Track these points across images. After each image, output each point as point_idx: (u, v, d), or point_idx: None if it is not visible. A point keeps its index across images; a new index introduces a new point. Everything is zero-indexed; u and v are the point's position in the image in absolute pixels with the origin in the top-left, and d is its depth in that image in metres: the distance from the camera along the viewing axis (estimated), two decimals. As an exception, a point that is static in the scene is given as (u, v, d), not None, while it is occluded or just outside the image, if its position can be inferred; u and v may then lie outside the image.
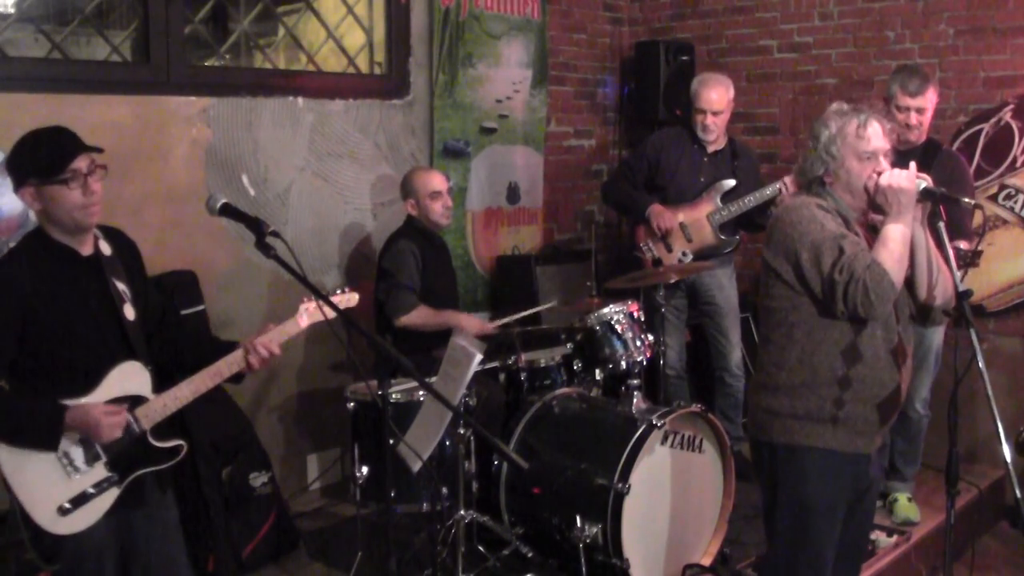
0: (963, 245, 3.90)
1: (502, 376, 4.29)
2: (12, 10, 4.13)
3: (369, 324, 4.45)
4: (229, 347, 2.86)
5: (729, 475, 3.94)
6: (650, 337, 4.31)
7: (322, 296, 2.74)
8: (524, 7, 5.77)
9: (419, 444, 3.12)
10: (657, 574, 3.77)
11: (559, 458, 3.85)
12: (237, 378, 2.87)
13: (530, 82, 5.86)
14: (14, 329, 2.56)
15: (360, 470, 3.76)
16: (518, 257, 5.79)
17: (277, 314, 3.56)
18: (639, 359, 4.17)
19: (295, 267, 2.68)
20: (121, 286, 2.73)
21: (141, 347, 2.75)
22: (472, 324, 4.29)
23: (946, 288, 2.87)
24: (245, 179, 4.57)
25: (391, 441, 3.11)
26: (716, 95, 4.85)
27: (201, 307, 4.29)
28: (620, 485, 3.57)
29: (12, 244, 2.80)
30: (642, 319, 4.34)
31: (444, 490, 3.64)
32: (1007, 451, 2.66)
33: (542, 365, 4.32)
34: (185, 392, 2.75)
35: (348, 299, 3.22)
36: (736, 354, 5.04)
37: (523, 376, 4.26)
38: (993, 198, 5.21)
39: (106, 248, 2.75)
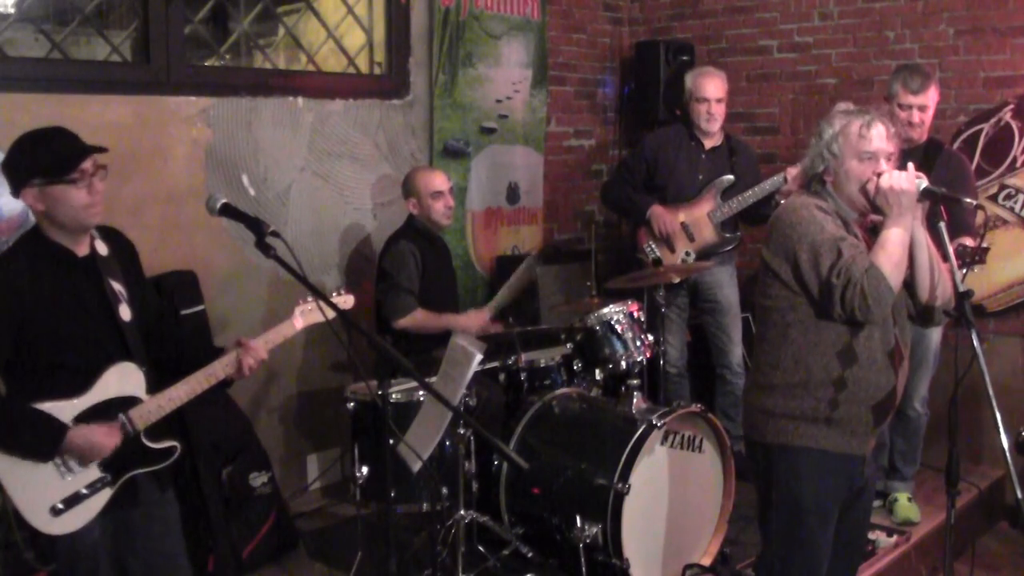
0: (968, 242, 3.86)
1: (502, 376, 4.28)
2: (12, 10, 4.12)
3: (369, 324, 4.45)
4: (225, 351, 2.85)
5: (729, 475, 3.94)
6: (650, 337, 4.32)
7: (322, 296, 2.74)
8: (524, 7, 5.77)
9: (419, 444, 3.11)
10: (657, 574, 3.77)
11: (559, 458, 3.85)
12: (225, 384, 2.84)
13: (530, 82, 5.86)
14: (10, 329, 2.55)
15: (360, 470, 3.76)
16: (518, 257, 5.78)
17: (277, 314, 3.56)
18: (639, 359, 4.18)
19: (295, 267, 2.67)
20: (117, 286, 2.72)
21: (137, 347, 2.74)
22: (471, 324, 4.29)
23: (946, 288, 2.87)
24: (245, 179, 4.56)
25: (391, 441, 3.10)
26: (715, 84, 4.88)
27: (201, 307, 4.28)
28: (620, 485, 3.57)
29: (9, 244, 2.79)
30: (642, 319, 4.34)
31: (444, 490, 3.63)
32: (1007, 451, 2.66)
33: (542, 365, 4.31)
34: (180, 393, 2.74)
35: (344, 301, 3.21)
36: (737, 352, 5.04)
37: (523, 376, 4.26)
38: (993, 198, 5.21)
39: (103, 248, 2.74)
